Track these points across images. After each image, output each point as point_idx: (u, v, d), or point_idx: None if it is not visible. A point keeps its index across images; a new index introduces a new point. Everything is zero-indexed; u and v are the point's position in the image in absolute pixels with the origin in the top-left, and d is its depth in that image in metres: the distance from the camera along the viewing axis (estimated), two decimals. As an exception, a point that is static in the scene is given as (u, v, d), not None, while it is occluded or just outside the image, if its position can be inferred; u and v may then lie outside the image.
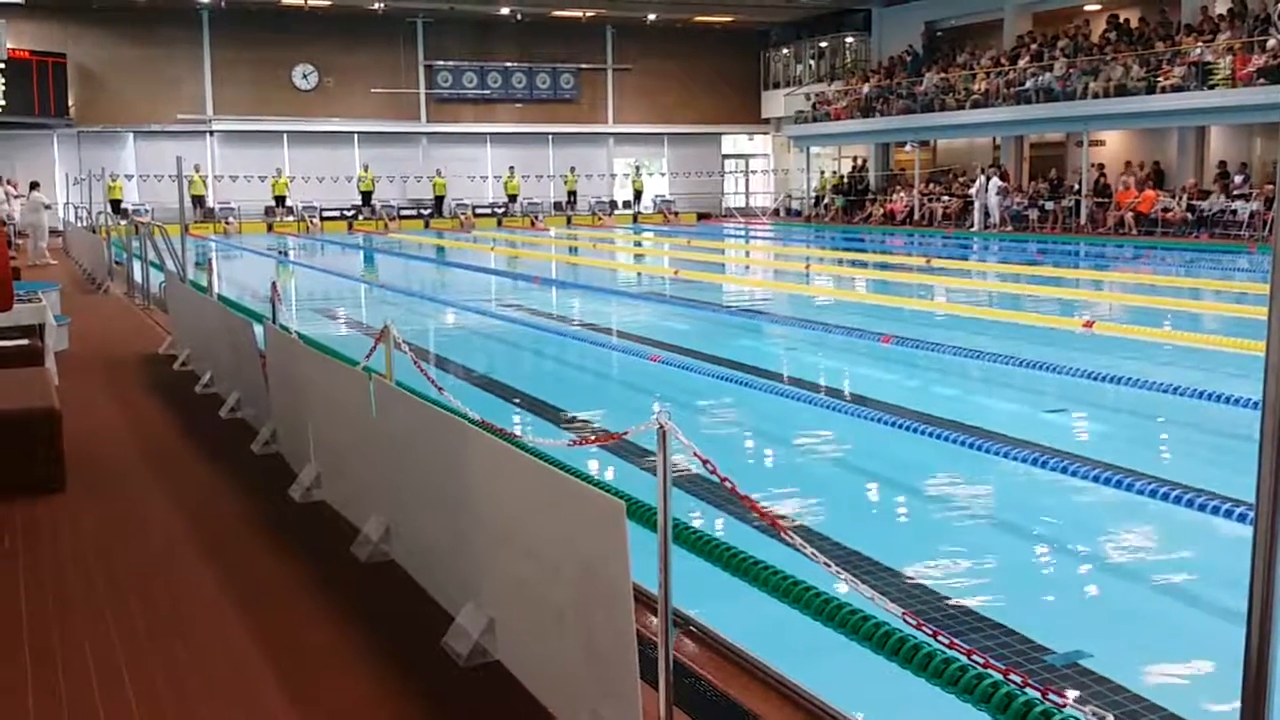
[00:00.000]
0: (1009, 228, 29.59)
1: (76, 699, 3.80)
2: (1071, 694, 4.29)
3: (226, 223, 34.99)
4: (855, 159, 39.70)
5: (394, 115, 38.56)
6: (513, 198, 38.92)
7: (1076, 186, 29.01)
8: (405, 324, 13.55)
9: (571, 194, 40.06)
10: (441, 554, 4.48)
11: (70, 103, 33.97)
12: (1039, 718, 3.61)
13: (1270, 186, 24.63)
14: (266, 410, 7.05)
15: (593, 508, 3.12)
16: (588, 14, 38.44)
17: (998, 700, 3.75)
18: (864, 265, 24.73)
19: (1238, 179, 25.57)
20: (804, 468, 8.19)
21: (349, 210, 37.16)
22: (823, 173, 40.31)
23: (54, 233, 25.87)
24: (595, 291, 18.94)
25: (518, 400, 10.01)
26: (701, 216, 40.82)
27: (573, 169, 40.11)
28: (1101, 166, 29.02)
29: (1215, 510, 6.02)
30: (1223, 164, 26.50)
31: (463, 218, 37.53)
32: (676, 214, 40.30)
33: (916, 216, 33.32)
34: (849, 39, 39.86)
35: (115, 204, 32.05)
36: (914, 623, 3.63)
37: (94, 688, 3.87)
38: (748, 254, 30.34)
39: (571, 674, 3.42)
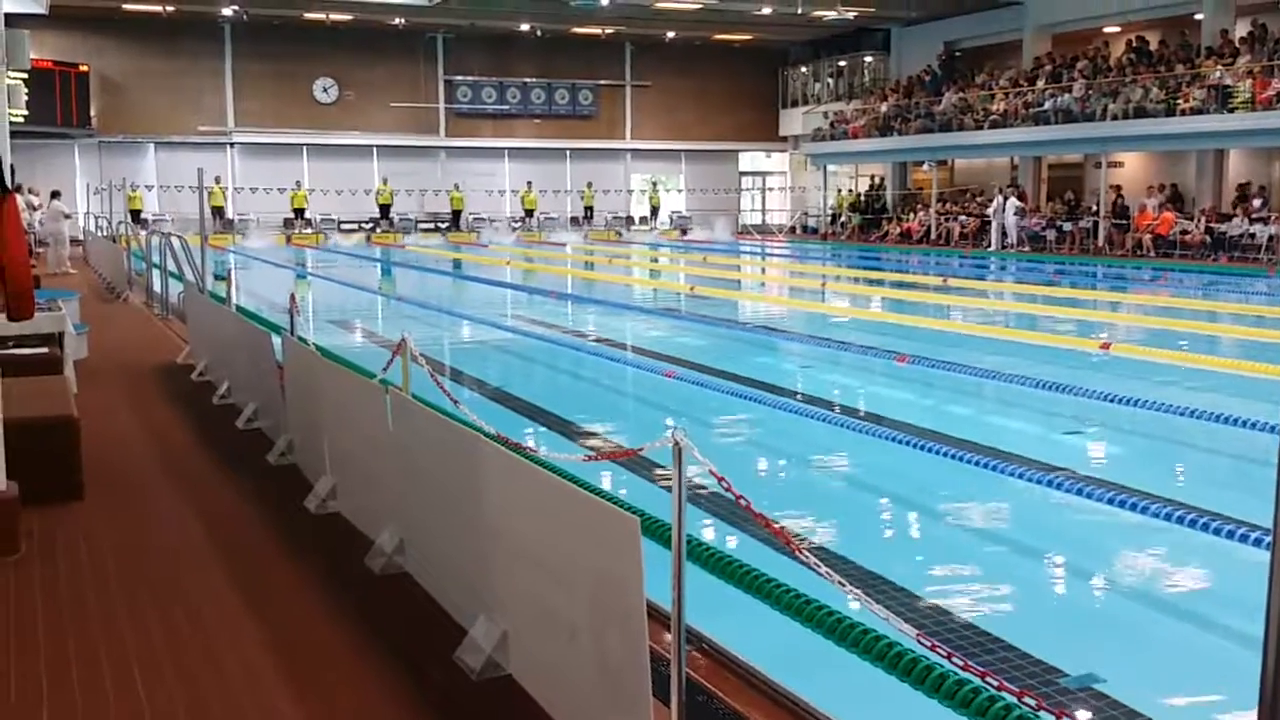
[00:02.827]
0: (1026, 248, 29.53)
1: (91, 708, 3.82)
2: (1085, 717, 4.27)
3: (243, 223, 35.21)
4: (873, 177, 39.72)
5: (413, 129, 38.76)
6: (530, 212, 39.06)
7: (1094, 208, 28.95)
8: (422, 337, 13.58)
9: (589, 209, 40.16)
10: (455, 567, 4.49)
11: (92, 113, 34.25)
12: (1052, 741, 3.59)
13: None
14: (283, 421, 7.08)
15: (607, 523, 3.12)
16: (607, 31, 38.60)
17: (1011, 723, 3.73)
18: (880, 284, 24.70)
19: (1256, 202, 25.47)
20: (819, 486, 8.19)
21: (367, 223, 37.35)
22: (840, 191, 40.32)
23: (74, 242, 26.05)
24: (611, 306, 18.96)
25: (533, 414, 10.02)
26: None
27: (590, 184, 40.22)
28: (1119, 188, 28.96)
29: (1232, 535, 5.98)
30: (1241, 187, 26.40)
31: (476, 227, 37.83)
32: (687, 230, 40.35)
33: (933, 236, 33.28)
34: (868, 58, 39.92)
35: (135, 214, 32.22)
36: (928, 643, 3.62)
37: (109, 696, 3.89)
38: (764, 271, 30.32)
39: (584, 689, 3.42)
